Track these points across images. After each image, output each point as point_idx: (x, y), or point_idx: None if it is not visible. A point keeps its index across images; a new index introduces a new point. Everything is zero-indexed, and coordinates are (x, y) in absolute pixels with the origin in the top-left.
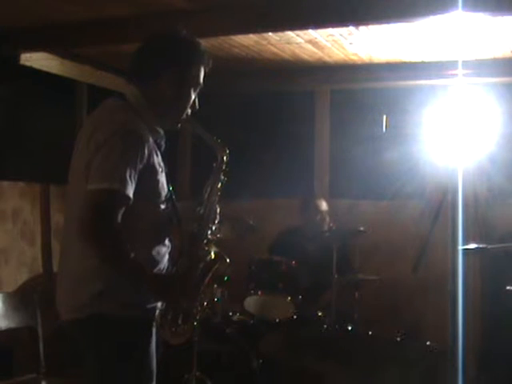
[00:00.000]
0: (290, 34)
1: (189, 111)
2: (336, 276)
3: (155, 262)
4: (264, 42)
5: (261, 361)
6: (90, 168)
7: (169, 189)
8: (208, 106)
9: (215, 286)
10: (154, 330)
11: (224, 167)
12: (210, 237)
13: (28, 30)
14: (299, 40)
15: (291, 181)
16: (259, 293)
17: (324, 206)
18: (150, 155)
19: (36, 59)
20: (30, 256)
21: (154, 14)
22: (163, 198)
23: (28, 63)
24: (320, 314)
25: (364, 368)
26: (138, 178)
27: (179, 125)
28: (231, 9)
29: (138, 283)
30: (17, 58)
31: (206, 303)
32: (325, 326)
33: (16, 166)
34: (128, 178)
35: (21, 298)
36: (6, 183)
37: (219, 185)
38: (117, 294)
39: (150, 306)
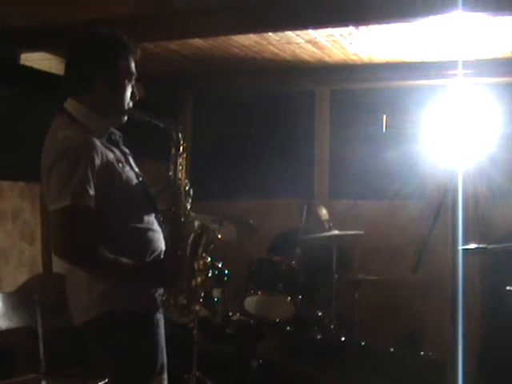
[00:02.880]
0: (290, 33)
1: (131, 103)
2: (336, 276)
3: (150, 250)
4: (264, 42)
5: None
6: (48, 191)
7: (138, 178)
8: (208, 106)
9: (209, 258)
10: (161, 321)
11: (181, 143)
12: (188, 212)
13: (28, 30)
14: (299, 40)
15: (291, 181)
16: (259, 293)
17: (325, 214)
18: (103, 157)
19: (36, 59)
20: (30, 256)
21: (154, 13)
22: (133, 189)
23: (28, 63)
24: (320, 314)
25: (359, 377)
26: (98, 181)
27: (125, 118)
28: (231, 9)
29: (131, 280)
30: (17, 58)
31: (204, 277)
32: (319, 336)
33: (16, 166)
34: (82, 189)
35: (21, 298)
36: (5, 183)
37: (182, 161)
38: (120, 290)
39: (152, 295)
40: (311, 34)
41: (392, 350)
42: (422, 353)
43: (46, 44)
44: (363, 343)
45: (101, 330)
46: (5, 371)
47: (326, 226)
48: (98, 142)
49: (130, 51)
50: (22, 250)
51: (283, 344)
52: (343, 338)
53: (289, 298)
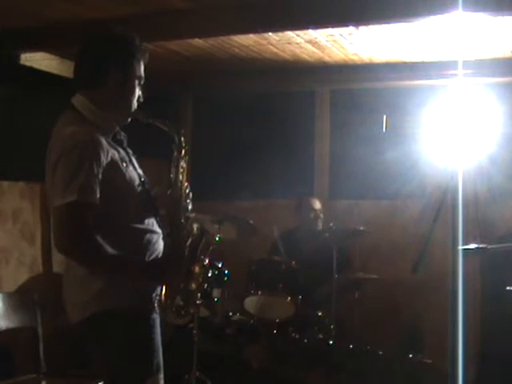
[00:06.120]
0: (289, 34)
1: (136, 104)
2: (336, 276)
3: (149, 251)
4: (264, 42)
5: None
6: (53, 187)
7: (140, 179)
8: (208, 107)
9: (206, 260)
10: (157, 321)
11: (183, 146)
12: (188, 215)
13: (28, 30)
14: (299, 40)
15: (291, 181)
16: (259, 293)
17: (317, 204)
18: (108, 155)
19: (36, 59)
20: (30, 256)
21: (154, 13)
22: (135, 189)
23: (28, 63)
24: (320, 314)
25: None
26: (103, 179)
27: (129, 119)
28: (231, 9)
29: (131, 276)
30: (17, 58)
31: (201, 279)
32: (306, 340)
33: (16, 165)
34: (88, 185)
35: (21, 298)
36: (5, 183)
37: (183, 164)
38: (116, 289)
39: (149, 295)
40: (311, 33)
41: (382, 352)
42: (411, 355)
43: (46, 44)
44: (351, 346)
45: (97, 328)
46: (5, 371)
47: (320, 216)
48: (103, 140)
49: (142, 54)
50: (22, 250)
51: (271, 349)
52: (331, 342)
53: (289, 298)
